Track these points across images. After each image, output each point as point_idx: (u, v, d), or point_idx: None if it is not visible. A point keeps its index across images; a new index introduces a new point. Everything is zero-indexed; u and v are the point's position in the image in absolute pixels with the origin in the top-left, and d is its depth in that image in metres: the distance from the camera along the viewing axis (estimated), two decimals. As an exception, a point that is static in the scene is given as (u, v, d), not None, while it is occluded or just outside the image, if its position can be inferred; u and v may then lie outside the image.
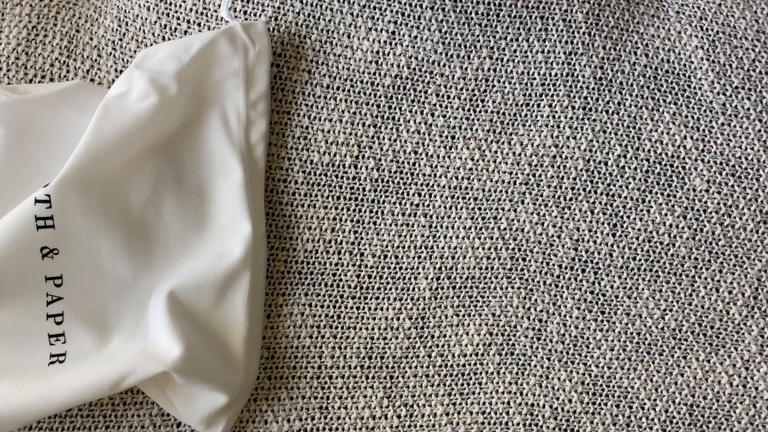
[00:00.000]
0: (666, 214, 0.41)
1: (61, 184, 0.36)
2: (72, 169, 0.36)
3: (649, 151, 0.42)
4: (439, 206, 0.42)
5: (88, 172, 0.36)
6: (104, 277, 0.38)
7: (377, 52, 0.43)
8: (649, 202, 0.41)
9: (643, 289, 0.42)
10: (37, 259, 0.36)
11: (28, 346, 0.36)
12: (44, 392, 0.35)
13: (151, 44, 0.42)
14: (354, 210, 0.42)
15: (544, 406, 0.39)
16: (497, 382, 0.40)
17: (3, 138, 0.38)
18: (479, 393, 0.40)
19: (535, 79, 0.43)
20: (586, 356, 0.42)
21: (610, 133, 0.42)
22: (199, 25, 0.43)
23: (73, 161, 0.36)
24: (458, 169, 0.43)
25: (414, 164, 0.42)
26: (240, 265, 0.38)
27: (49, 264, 0.36)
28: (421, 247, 0.42)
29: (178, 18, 0.43)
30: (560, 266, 0.41)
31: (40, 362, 0.36)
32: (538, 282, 0.42)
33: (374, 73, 0.43)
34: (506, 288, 0.42)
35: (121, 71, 0.43)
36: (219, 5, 0.43)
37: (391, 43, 0.43)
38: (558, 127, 0.43)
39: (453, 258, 0.42)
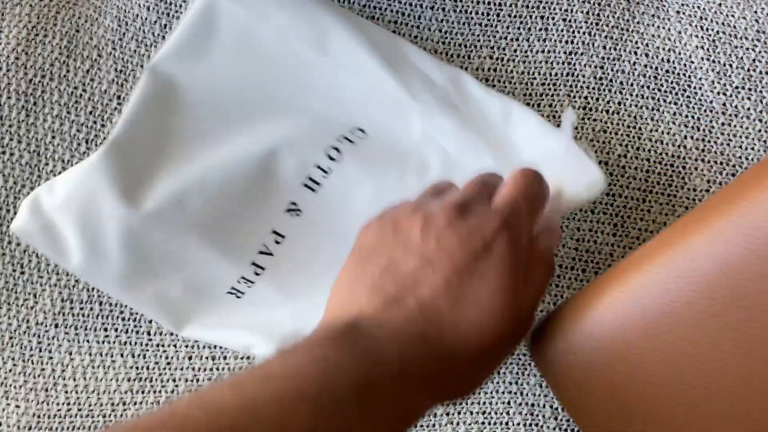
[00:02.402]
0: (666, 214, 0.41)
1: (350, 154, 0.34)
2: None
3: (649, 151, 0.42)
4: (439, 206, 0.42)
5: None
6: (320, 263, 0.35)
7: (377, 52, 0.42)
8: (649, 202, 0.41)
9: (643, 289, 0.42)
10: (280, 209, 0.35)
11: (219, 269, 0.35)
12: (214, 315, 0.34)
13: (151, 44, 0.42)
14: (354, 210, 0.42)
15: (544, 406, 0.39)
16: (497, 382, 0.40)
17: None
18: (479, 393, 0.40)
19: (535, 79, 0.43)
20: (586, 356, 0.42)
21: (610, 133, 0.42)
22: (199, 25, 0.42)
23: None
24: (458, 169, 0.42)
25: (414, 164, 0.42)
26: None
27: (285, 219, 0.35)
28: (421, 247, 0.42)
29: (178, 18, 0.42)
30: (560, 266, 0.41)
31: (221, 284, 0.35)
32: (538, 282, 0.42)
33: (374, 73, 0.42)
34: (506, 288, 0.42)
35: (121, 71, 0.43)
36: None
37: (391, 43, 0.42)
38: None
39: (453, 258, 0.42)
